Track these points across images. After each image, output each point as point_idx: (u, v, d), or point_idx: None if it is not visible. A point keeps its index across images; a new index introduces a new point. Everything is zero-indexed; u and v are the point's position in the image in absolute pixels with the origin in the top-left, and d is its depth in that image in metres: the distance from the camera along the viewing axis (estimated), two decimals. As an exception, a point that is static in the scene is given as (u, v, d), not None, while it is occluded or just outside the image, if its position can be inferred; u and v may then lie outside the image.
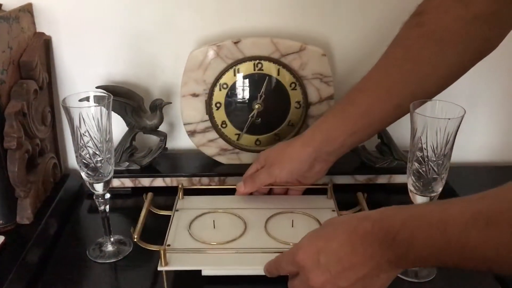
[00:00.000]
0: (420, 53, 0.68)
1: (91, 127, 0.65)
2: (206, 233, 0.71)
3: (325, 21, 0.87)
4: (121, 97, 0.84)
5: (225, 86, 0.85)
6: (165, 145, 0.89)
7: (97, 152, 0.67)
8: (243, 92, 0.86)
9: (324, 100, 0.86)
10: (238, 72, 0.84)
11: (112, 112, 0.72)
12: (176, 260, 0.65)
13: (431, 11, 0.68)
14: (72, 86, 0.90)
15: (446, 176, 0.65)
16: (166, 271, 0.65)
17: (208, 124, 0.87)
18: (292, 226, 0.73)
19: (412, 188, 0.66)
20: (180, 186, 0.80)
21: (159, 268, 0.64)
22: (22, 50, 0.80)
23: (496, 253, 0.43)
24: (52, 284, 0.68)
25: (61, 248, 0.76)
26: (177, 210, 0.76)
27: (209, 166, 0.90)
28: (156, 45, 0.88)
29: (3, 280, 0.64)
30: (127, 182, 0.88)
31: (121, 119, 0.86)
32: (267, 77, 0.84)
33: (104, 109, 0.66)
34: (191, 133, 0.88)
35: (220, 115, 0.87)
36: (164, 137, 0.88)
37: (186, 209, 0.77)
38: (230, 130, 0.88)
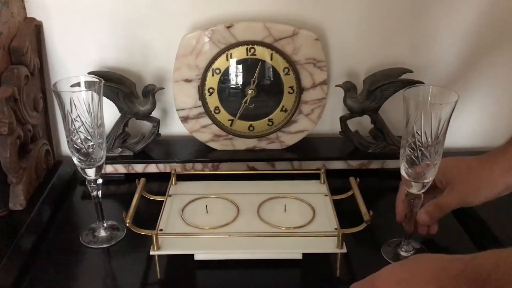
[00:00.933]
0: None
1: (82, 112, 0.65)
2: (198, 218, 0.71)
3: (318, 6, 0.86)
4: (113, 83, 0.83)
5: (217, 71, 0.84)
6: (158, 131, 0.88)
7: (89, 137, 0.67)
8: (236, 77, 0.85)
9: (317, 85, 0.86)
10: (231, 57, 0.83)
11: (105, 98, 0.72)
12: (168, 244, 0.65)
13: None
14: (64, 72, 0.89)
15: (439, 163, 0.64)
16: (159, 256, 0.65)
17: (201, 110, 0.87)
18: (285, 211, 0.73)
19: (405, 174, 0.66)
20: (173, 172, 0.80)
21: (151, 253, 0.64)
22: (13, 35, 0.79)
23: None
24: (45, 270, 0.68)
25: (54, 234, 0.76)
26: (170, 196, 0.76)
27: (202, 152, 0.90)
28: (148, 30, 0.87)
29: (-4, 265, 0.65)
30: (120, 168, 0.88)
31: (114, 105, 0.86)
32: (260, 62, 0.84)
33: (95, 94, 0.65)
34: (184, 119, 0.88)
35: (213, 101, 0.87)
36: (157, 123, 0.88)
37: (179, 194, 0.77)
38: (223, 116, 0.88)
